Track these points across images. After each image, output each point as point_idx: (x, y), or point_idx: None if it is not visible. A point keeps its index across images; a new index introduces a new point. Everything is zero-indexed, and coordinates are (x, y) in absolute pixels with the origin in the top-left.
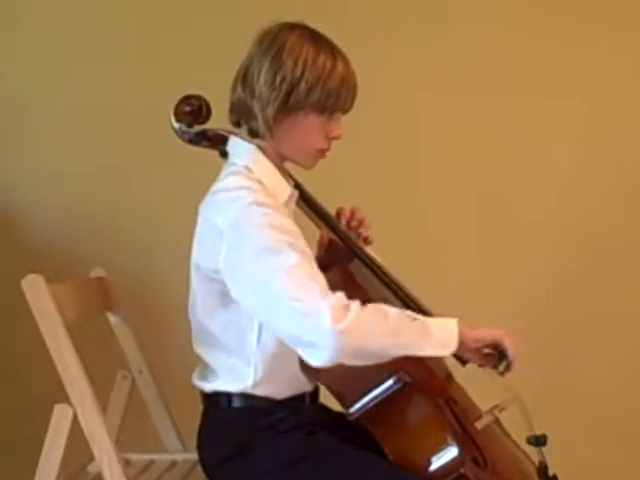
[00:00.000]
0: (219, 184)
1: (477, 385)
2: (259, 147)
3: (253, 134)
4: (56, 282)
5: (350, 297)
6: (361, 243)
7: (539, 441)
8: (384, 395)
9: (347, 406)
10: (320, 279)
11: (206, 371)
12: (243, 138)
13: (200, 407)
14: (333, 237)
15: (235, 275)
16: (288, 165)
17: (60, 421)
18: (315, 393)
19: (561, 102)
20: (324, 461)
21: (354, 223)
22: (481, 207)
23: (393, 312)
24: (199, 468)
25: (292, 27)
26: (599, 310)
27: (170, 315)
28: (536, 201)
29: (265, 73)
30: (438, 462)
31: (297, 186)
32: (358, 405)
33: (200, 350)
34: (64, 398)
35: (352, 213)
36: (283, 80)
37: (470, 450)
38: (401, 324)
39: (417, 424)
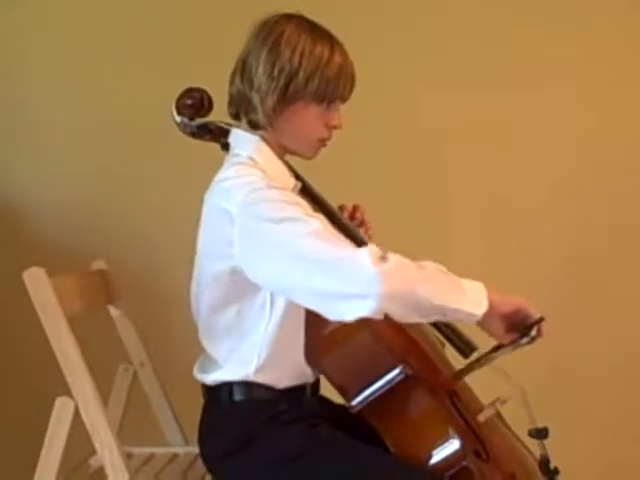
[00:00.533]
0: (225, 173)
1: (479, 378)
2: (262, 138)
3: (253, 126)
4: (57, 275)
5: None
6: (364, 236)
7: (541, 434)
8: (386, 387)
9: (349, 398)
10: (346, 240)
11: (207, 362)
12: (245, 130)
13: (201, 400)
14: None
15: (254, 252)
16: (289, 158)
17: (61, 414)
18: (316, 385)
19: (565, 98)
20: (325, 454)
21: (358, 215)
22: (483, 202)
23: (429, 262)
24: (200, 461)
25: (289, 18)
26: (602, 304)
27: (171, 308)
28: (539, 197)
29: (263, 64)
30: (440, 455)
31: (298, 178)
32: (360, 397)
33: (207, 343)
34: (66, 391)
35: (354, 208)
36: (281, 70)
37: (472, 443)
38: (439, 275)
39: (419, 417)
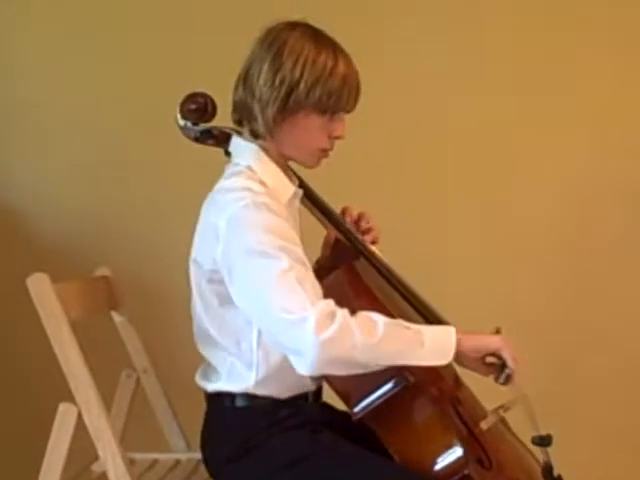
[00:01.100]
0: (221, 184)
1: (483, 385)
2: (261, 147)
3: (254, 134)
4: (61, 281)
5: (356, 295)
6: (367, 243)
7: (544, 441)
8: (388, 395)
9: (351, 405)
10: (309, 285)
11: (209, 370)
12: (245, 138)
13: (204, 406)
14: (339, 236)
15: (229, 275)
16: (293, 164)
17: (64, 420)
18: (318, 392)
19: (566, 102)
20: (327, 460)
21: (363, 223)
22: (483, 208)
23: (383, 321)
24: (203, 467)
25: (293, 26)
26: (604, 310)
27: (174, 314)
28: (539, 203)
29: (265, 74)
30: (442, 462)
31: (302, 185)
32: (362, 404)
33: (202, 349)
34: (69, 397)
35: (360, 215)
36: (283, 81)
37: (475, 450)
38: (391, 334)
39: (421, 424)
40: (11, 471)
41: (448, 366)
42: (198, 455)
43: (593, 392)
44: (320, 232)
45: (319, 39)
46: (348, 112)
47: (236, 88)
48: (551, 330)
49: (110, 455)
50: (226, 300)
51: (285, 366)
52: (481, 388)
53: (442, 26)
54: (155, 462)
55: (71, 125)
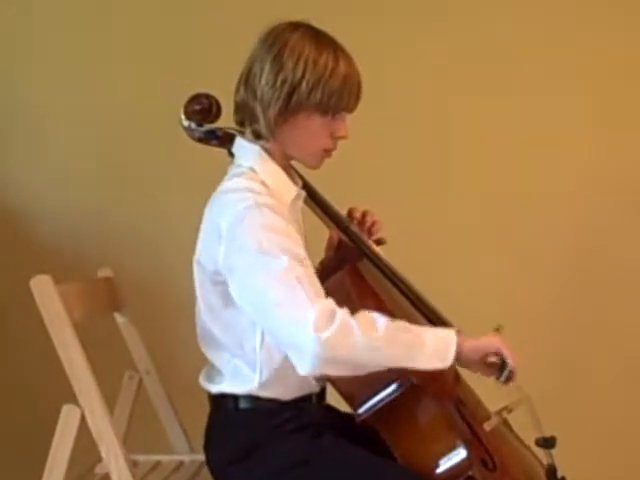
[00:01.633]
0: (224, 185)
1: (486, 386)
2: (264, 148)
3: (257, 135)
4: (63, 282)
5: (359, 297)
6: (371, 243)
7: (548, 443)
8: (392, 396)
9: (355, 407)
10: (310, 283)
11: (213, 372)
12: (249, 139)
13: (207, 408)
14: (343, 237)
15: (231, 275)
16: (296, 164)
17: (68, 421)
18: (322, 394)
19: (573, 103)
20: (329, 462)
21: (367, 225)
22: (485, 207)
23: (384, 322)
24: (206, 469)
25: (295, 27)
26: (609, 311)
27: (177, 315)
28: (539, 202)
29: (266, 74)
30: (446, 464)
31: (305, 185)
32: (366, 406)
33: (206, 351)
34: (72, 398)
35: (364, 215)
36: (284, 81)
37: (478, 452)
38: (391, 335)
39: (425, 426)
40: (14, 472)
41: (451, 368)
42: (201, 457)
43: (597, 394)
44: (324, 233)
45: (320, 40)
46: (350, 112)
47: (237, 89)
48: (554, 331)
49: (113, 457)
50: (230, 301)
51: (288, 368)
52: (484, 390)
53: (442, 26)
54: (158, 464)
55: (71, 125)
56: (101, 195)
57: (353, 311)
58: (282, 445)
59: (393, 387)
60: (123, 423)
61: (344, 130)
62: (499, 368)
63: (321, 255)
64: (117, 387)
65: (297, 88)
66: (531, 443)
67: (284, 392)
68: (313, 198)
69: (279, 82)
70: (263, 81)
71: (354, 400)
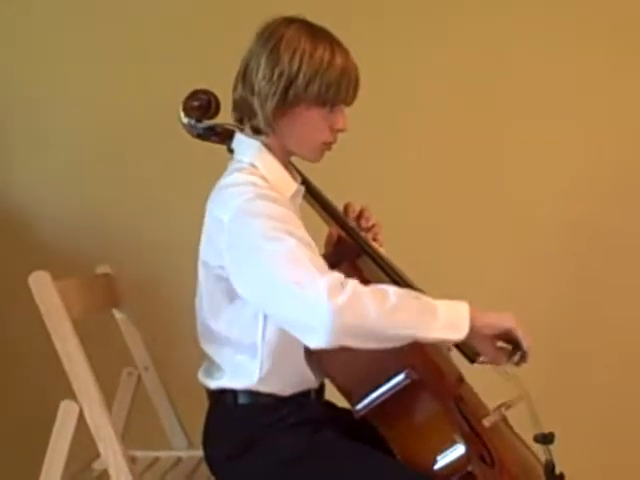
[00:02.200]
0: (224, 180)
1: (485, 382)
2: (263, 144)
3: (256, 131)
4: (62, 279)
5: None
6: (370, 240)
7: (546, 439)
8: (391, 392)
9: (354, 403)
10: (318, 262)
11: (212, 368)
12: (248, 135)
13: (205, 404)
14: (341, 234)
15: (236, 267)
16: (295, 161)
17: (66, 417)
18: (321, 390)
19: (565, 103)
20: (328, 458)
21: (363, 221)
22: (483, 207)
23: (396, 290)
24: (204, 465)
25: (290, 21)
26: (607, 307)
27: (176, 311)
28: (539, 202)
29: (263, 68)
30: (445, 460)
31: (304, 181)
32: (365, 402)
33: (206, 347)
34: (70, 394)
35: (361, 212)
36: (281, 74)
37: (477, 448)
38: (404, 302)
39: (424, 422)
40: (13, 468)
41: (451, 363)
42: (199, 453)
43: (595, 390)
44: (323, 229)
45: (316, 33)
46: (348, 105)
47: (235, 86)
48: (553, 327)
49: (111, 453)
50: (234, 297)
51: (289, 363)
52: (483, 386)
53: (442, 25)
54: (156, 460)
55: (71, 125)
56: (101, 194)
57: None
58: (281, 440)
59: (392, 383)
60: (121, 419)
61: (343, 122)
62: (509, 351)
63: (320, 251)
64: (115, 383)
65: (294, 81)
66: (529, 439)
67: (283, 387)
68: (312, 194)
69: (276, 76)
70: (260, 75)
71: (352, 396)
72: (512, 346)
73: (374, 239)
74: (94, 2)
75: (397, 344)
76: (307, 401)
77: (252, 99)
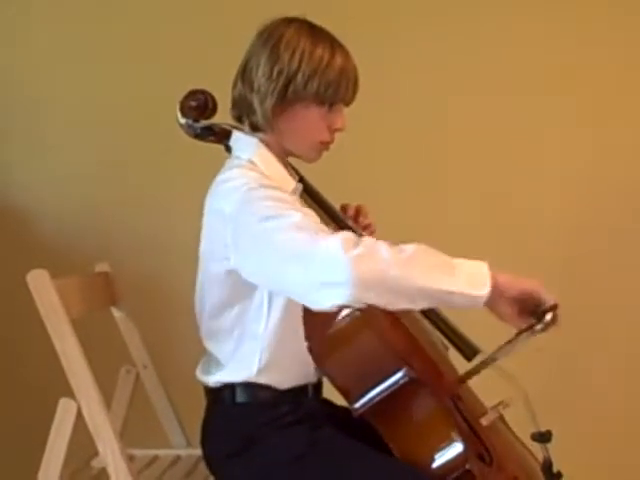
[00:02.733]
0: (223, 175)
1: (482, 381)
2: (262, 141)
3: (254, 128)
4: (61, 277)
5: None
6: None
7: (544, 437)
8: (389, 391)
9: (351, 401)
10: (327, 229)
11: (210, 364)
12: (246, 133)
13: (204, 402)
14: None
15: (244, 254)
16: (293, 161)
17: (64, 415)
18: (318, 387)
19: (565, 103)
20: (327, 456)
21: (361, 218)
22: (484, 207)
23: (412, 245)
24: (203, 464)
25: (290, 21)
26: (605, 306)
27: (174, 310)
28: (539, 202)
29: (263, 66)
30: (443, 458)
31: (301, 180)
32: (362, 400)
33: (207, 343)
34: (68, 392)
35: (359, 209)
36: (280, 72)
37: (475, 446)
38: (421, 256)
39: (422, 420)
40: (11, 466)
41: (447, 361)
42: (198, 451)
43: (592, 388)
44: None
45: (316, 33)
46: (347, 105)
47: (235, 84)
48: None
49: (110, 451)
50: (238, 291)
51: (289, 353)
52: (481, 385)
53: (442, 25)
54: (155, 458)
55: (71, 124)
56: (100, 192)
57: None
58: (280, 438)
59: (390, 381)
60: (120, 417)
61: (341, 122)
62: (541, 313)
63: None
64: (114, 381)
65: (293, 79)
66: (527, 438)
67: (282, 379)
68: (309, 193)
69: (275, 74)
70: (259, 73)
71: (350, 395)
72: (535, 318)
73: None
74: (94, 2)
75: (418, 302)
76: (305, 399)
77: (251, 96)
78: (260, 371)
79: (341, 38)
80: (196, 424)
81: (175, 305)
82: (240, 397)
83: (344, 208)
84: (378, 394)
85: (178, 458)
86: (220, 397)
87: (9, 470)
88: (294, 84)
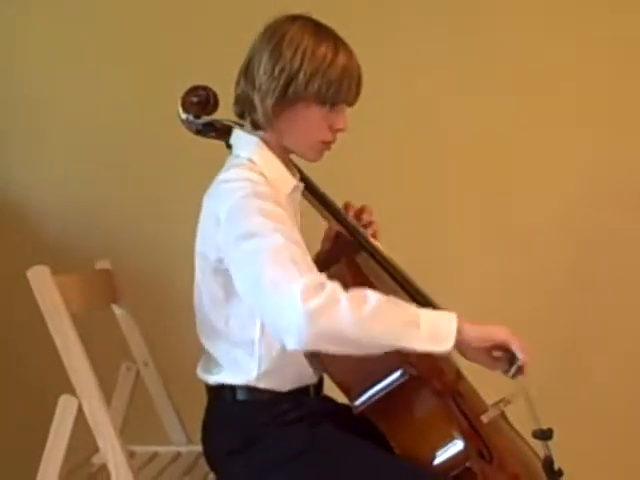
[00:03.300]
0: (222, 175)
1: (483, 378)
2: (262, 139)
3: (255, 126)
4: (62, 274)
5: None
6: (369, 236)
7: (545, 435)
8: (389, 388)
9: (352, 399)
10: (303, 261)
11: (210, 363)
12: (247, 130)
13: (204, 399)
14: (340, 230)
15: (230, 262)
16: (295, 159)
17: (65, 412)
18: (319, 385)
19: (565, 103)
20: (327, 453)
21: (365, 215)
22: (484, 206)
23: (377, 297)
24: (203, 460)
25: (294, 19)
26: (606, 304)
27: (175, 307)
28: (543, 201)
29: (265, 64)
30: (443, 456)
31: (303, 178)
32: (363, 398)
33: (205, 342)
34: (69, 389)
35: (363, 207)
36: (282, 71)
37: (476, 444)
38: (383, 311)
39: (422, 418)
40: (12, 463)
41: (449, 359)
42: (198, 448)
43: (594, 386)
44: (321, 226)
45: (319, 31)
46: (349, 105)
47: (238, 81)
48: (552, 325)
49: (110, 447)
50: (232, 292)
51: (287, 359)
52: (482, 382)
53: (442, 25)
54: (155, 455)
55: (71, 123)
56: (101, 190)
57: None
58: (281, 435)
59: (391, 379)
60: (120, 414)
61: (343, 122)
62: (507, 361)
63: (318, 248)
64: (115, 378)
65: (295, 78)
66: (528, 435)
67: (282, 383)
68: (311, 190)
69: (277, 71)
70: (261, 71)
71: (351, 392)
72: (510, 355)
73: (372, 236)
74: (94, 2)
75: (377, 351)
76: (306, 397)
77: (253, 94)
78: (260, 377)
79: (343, 37)
80: (196, 421)
81: (175, 302)
82: (241, 395)
83: (346, 206)
84: (378, 392)
85: (178, 455)
86: (221, 395)
87: (9, 469)
88: (295, 83)
